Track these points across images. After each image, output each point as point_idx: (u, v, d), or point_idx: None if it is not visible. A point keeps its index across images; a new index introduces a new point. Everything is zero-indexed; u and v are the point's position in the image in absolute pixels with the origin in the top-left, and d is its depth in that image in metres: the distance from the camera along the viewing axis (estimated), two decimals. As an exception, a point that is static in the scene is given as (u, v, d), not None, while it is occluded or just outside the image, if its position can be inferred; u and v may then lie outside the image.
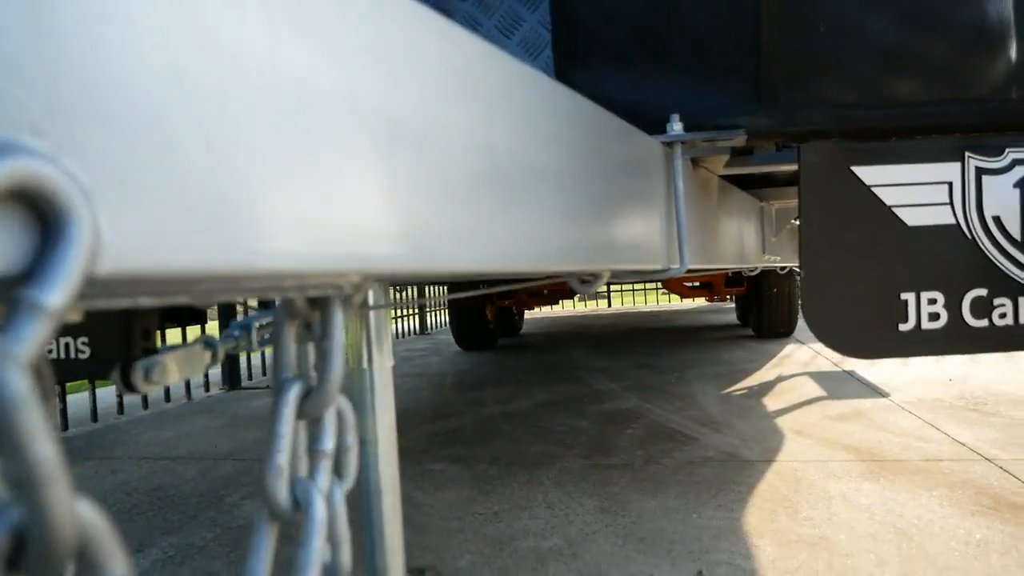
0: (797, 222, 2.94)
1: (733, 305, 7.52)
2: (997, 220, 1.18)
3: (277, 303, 0.48)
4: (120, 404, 3.71)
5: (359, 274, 0.45)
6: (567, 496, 2.08)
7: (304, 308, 0.47)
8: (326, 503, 0.45)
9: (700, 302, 9.97)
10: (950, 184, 1.17)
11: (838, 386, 3.55)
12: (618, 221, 0.91)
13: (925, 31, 1.14)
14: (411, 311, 7.70)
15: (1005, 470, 2.12)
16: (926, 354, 1.19)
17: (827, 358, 4.45)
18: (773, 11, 1.10)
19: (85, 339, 1.48)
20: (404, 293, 7.23)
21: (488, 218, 0.58)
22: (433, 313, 8.36)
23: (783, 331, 5.31)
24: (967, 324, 1.18)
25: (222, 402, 3.99)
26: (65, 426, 3.36)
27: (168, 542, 1.87)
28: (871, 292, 1.18)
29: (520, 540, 1.77)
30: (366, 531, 0.93)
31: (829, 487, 2.05)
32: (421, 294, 7.70)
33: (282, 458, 0.44)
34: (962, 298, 1.18)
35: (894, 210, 1.17)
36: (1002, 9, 1.16)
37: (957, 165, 1.17)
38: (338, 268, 0.41)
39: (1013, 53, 1.18)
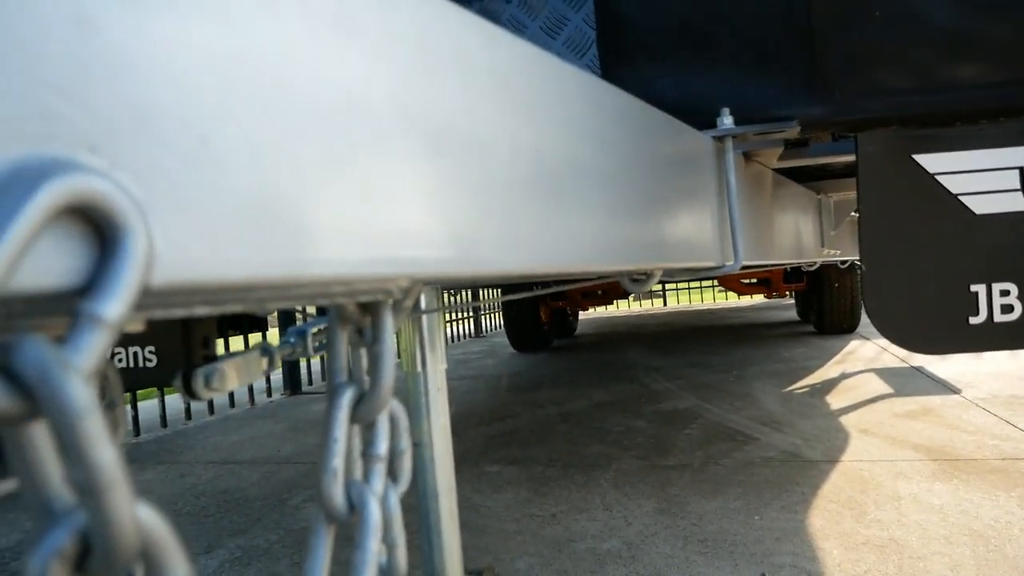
0: (856, 214, 2.86)
1: (792, 302, 7.35)
2: (1073, 205, 1.12)
3: (329, 309, 0.49)
4: (188, 410, 3.83)
5: (408, 279, 0.45)
6: (625, 497, 2.06)
7: (355, 313, 0.48)
8: (380, 506, 0.46)
9: (758, 299, 9.77)
10: (1020, 169, 1.12)
11: (905, 382, 3.43)
12: (669, 219, 0.90)
13: (986, 10, 1.09)
14: (466, 315, 7.75)
15: (1090, 469, 2.01)
16: (999, 348, 1.14)
17: (894, 354, 4.30)
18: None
19: (152, 348, 1.53)
20: (458, 296, 7.28)
21: (535, 220, 0.58)
22: (487, 316, 8.40)
23: (846, 327, 5.15)
24: (1043, 315, 1.12)
25: (284, 407, 4.08)
26: (137, 432, 3.49)
27: (235, 543, 1.93)
28: (938, 285, 1.13)
29: (578, 542, 1.76)
30: (423, 533, 0.94)
31: (898, 487, 1.98)
32: (475, 297, 7.75)
33: (337, 462, 0.45)
34: (1037, 288, 1.13)
35: (961, 198, 1.12)
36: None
37: (1028, 149, 1.12)
38: (386, 273, 0.41)
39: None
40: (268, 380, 4.43)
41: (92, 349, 0.25)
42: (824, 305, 5.06)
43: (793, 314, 6.97)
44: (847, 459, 2.27)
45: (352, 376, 0.48)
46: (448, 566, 0.93)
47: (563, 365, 4.90)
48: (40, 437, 0.28)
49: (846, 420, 2.79)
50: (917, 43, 1.09)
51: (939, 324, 1.14)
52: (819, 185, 2.07)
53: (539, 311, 5.50)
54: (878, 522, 1.75)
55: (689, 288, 10.60)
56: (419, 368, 0.91)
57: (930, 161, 1.12)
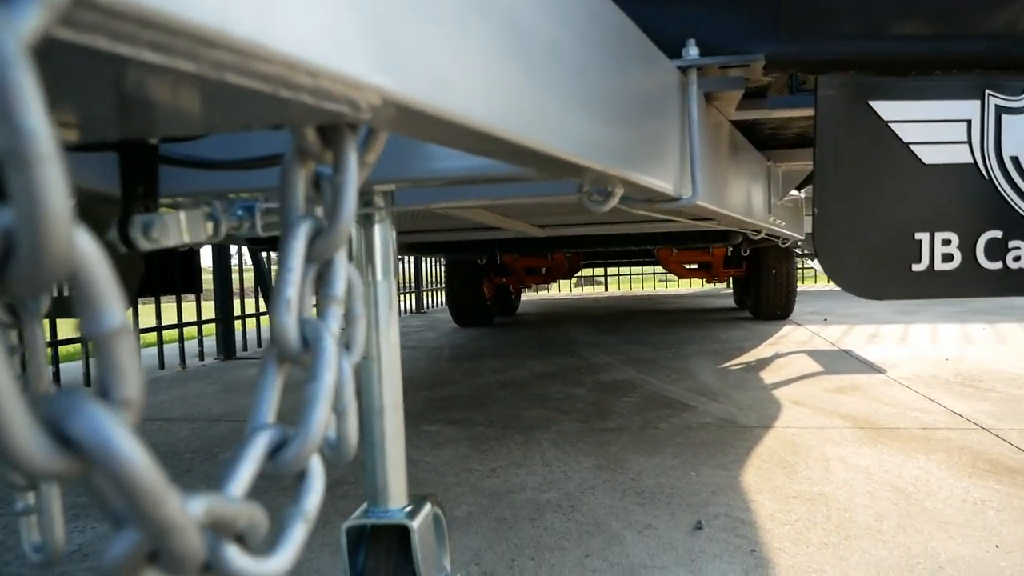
0: (801, 193, 2.91)
1: (731, 291, 7.52)
2: (1015, 160, 1.16)
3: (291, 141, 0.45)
4: (113, 366, 3.67)
5: (378, 94, 0.42)
6: (564, 455, 2.07)
7: (316, 144, 0.45)
8: (337, 343, 0.43)
9: (697, 287, 9.96)
10: (969, 122, 1.15)
11: (835, 362, 3.54)
12: (634, 130, 0.88)
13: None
14: (407, 290, 7.67)
15: (1001, 438, 2.11)
16: (939, 296, 1.17)
17: (824, 338, 4.44)
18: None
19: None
20: (400, 266, 7.19)
21: (505, 81, 0.55)
22: (429, 293, 8.34)
23: (780, 313, 5.30)
24: (981, 266, 1.16)
25: (217, 370, 3.96)
26: (57, 387, 3.32)
27: (160, 490, 1.85)
28: (885, 231, 1.16)
29: (518, 493, 1.76)
30: (366, 450, 0.91)
31: (827, 450, 2.04)
32: (418, 271, 7.68)
33: (291, 292, 0.41)
34: (977, 239, 1.16)
35: (911, 147, 1.15)
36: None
37: (976, 103, 1.15)
38: (357, 75, 0.38)
39: (1036, -11, 1.15)
40: (200, 343, 4.29)
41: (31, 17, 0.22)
42: (761, 291, 5.19)
43: (731, 302, 7.13)
44: (779, 425, 2.33)
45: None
46: (391, 484, 0.91)
47: (505, 339, 4.90)
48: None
49: (779, 393, 2.86)
50: (878, -10, 1.11)
51: (884, 270, 1.16)
52: (770, 154, 2.10)
53: (482, 286, 5.48)
54: (808, 479, 1.80)
55: (631, 275, 10.75)
56: (368, 278, 0.88)
57: (885, 108, 1.14)
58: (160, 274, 3.97)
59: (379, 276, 0.88)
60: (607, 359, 3.84)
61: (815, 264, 5.20)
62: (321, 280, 0.46)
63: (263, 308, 4.65)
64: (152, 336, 4.00)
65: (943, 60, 1.13)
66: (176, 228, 0.53)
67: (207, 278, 4.36)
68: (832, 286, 10.84)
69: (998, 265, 1.16)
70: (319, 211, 0.49)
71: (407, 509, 0.91)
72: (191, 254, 4.27)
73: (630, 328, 5.35)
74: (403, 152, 0.81)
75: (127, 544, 0.28)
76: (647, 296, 9.65)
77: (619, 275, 10.80)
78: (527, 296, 9.33)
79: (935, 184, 1.15)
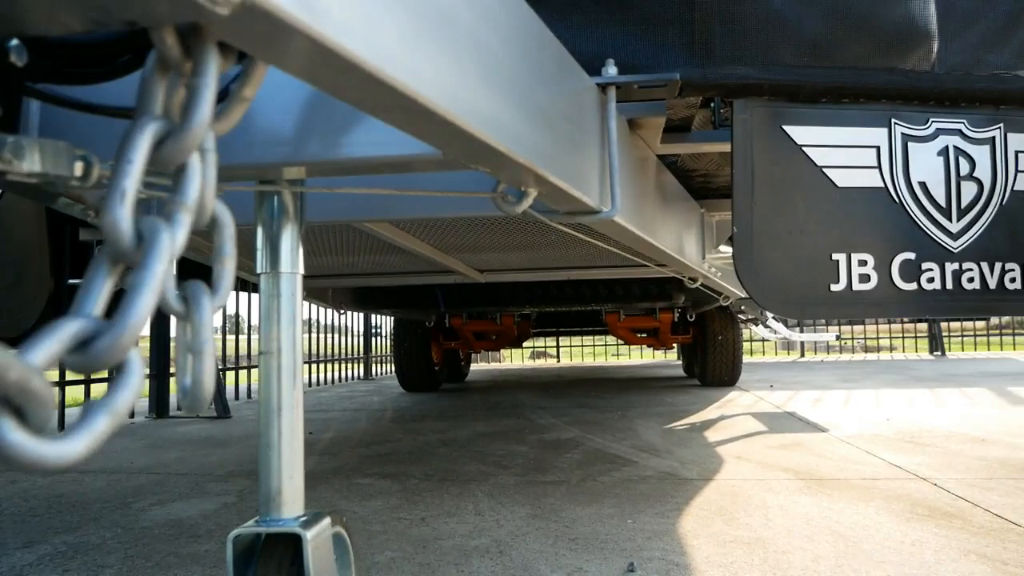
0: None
1: (680, 362, 7.58)
2: (923, 186, 1.20)
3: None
4: (32, 424, 3.48)
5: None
6: (499, 505, 1.99)
7: (175, 48, 0.42)
8: (173, 242, 0.40)
9: (648, 358, 10.02)
10: (878, 148, 1.19)
11: (779, 423, 3.55)
12: (553, 133, 0.88)
13: (859, 2, 1.18)
14: (356, 356, 7.53)
15: (939, 487, 2.11)
16: (859, 316, 1.18)
17: (769, 402, 4.47)
18: (707, -35, 1.11)
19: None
20: (347, 336, 7.08)
21: (398, 29, 0.54)
22: (379, 362, 8.21)
23: (727, 379, 5.33)
24: (897, 287, 1.18)
25: (146, 428, 3.78)
26: (-33, 441, 3.12)
27: (62, 539, 1.71)
28: (803, 251, 1.17)
29: (445, 540, 1.68)
30: (262, 451, 0.85)
31: (767, 499, 2.01)
32: (368, 329, 7.57)
33: (128, 184, 0.38)
34: (892, 261, 1.18)
35: (824, 170, 1.18)
36: (924, -13, 1.20)
37: (884, 131, 1.19)
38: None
39: (935, 29, 1.22)
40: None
41: None
42: (708, 358, 5.23)
43: (680, 371, 7.17)
44: (721, 477, 2.30)
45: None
46: (286, 490, 0.85)
47: (451, 403, 4.80)
48: None
49: (722, 449, 2.84)
50: (792, 20, 1.16)
51: (804, 290, 1.17)
52: (704, 203, 2.15)
53: (431, 350, 5.41)
54: (747, 525, 1.76)
55: (583, 346, 10.77)
56: (270, 267, 0.84)
57: (799, 133, 1.17)
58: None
59: (284, 267, 0.85)
60: (553, 420, 3.78)
61: (759, 330, 5.29)
62: (172, 187, 0.43)
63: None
64: (78, 391, 3.81)
65: (851, 90, 1.18)
66: (34, 154, 0.49)
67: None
68: (779, 357, 11.02)
69: (913, 286, 1.18)
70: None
71: (303, 519, 0.85)
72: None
73: (578, 393, 5.31)
74: (307, 134, 0.79)
75: None
76: (598, 367, 9.64)
77: (571, 346, 10.81)
78: (478, 366, 9.25)
79: (849, 206, 1.18)
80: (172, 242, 0.40)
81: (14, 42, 0.51)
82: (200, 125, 0.42)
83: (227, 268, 0.51)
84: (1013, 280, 1.22)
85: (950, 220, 1.20)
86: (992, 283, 1.21)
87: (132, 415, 4.11)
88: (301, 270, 0.87)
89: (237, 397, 5.26)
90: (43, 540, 1.71)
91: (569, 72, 0.99)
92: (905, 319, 10.55)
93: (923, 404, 4.22)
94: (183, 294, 0.50)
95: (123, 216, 0.38)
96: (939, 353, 9.89)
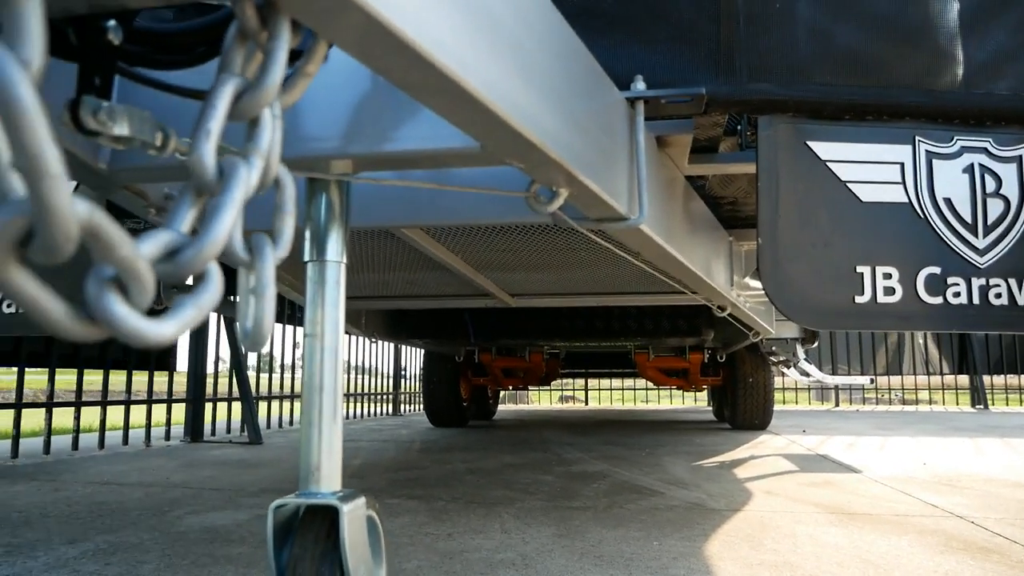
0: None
1: (709, 407, 7.50)
2: (948, 202, 1.22)
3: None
4: (75, 440, 3.58)
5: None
6: (524, 525, 2.00)
7: (253, 19, 0.49)
8: (249, 173, 0.45)
9: (678, 403, 9.90)
10: (902, 165, 1.22)
11: (810, 464, 3.50)
12: (586, 138, 0.94)
13: (882, 22, 1.23)
14: (386, 390, 7.59)
15: (977, 524, 2.07)
16: (883, 328, 1.20)
17: (801, 445, 4.40)
18: (734, -11, 1.17)
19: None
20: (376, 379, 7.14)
21: (476, 33, 0.60)
22: (407, 399, 8.26)
23: (758, 423, 5.26)
24: (922, 300, 1.20)
25: (181, 450, 3.85)
26: (15, 454, 3.22)
27: (103, 539, 1.77)
28: (827, 263, 1.20)
29: (472, 553, 1.69)
30: (304, 428, 0.90)
31: (796, 529, 1.99)
32: (397, 365, 7.63)
33: (213, 125, 0.44)
34: (916, 275, 1.20)
35: (849, 185, 1.21)
36: (952, 10, 1.25)
37: (908, 148, 1.23)
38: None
39: (959, 50, 1.26)
40: (168, 423, 4.20)
41: None
42: (738, 400, 5.17)
43: (709, 416, 7.08)
44: (749, 509, 2.28)
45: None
46: (325, 466, 0.89)
47: (478, 438, 4.81)
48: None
49: (751, 485, 2.81)
50: (818, 42, 1.21)
51: (829, 301, 1.20)
52: (733, 233, 2.18)
53: (459, 385, 5.44)
54: (774, 551, 1.74)
55: (611, 388, 10.70)
56: (316, 256, 0.90)
57: (823, 149, 1.21)
58: (136, 348, 3.95)
59: (330, 256, 0.90)
60: (579, 455, 3.77)
61: (791, 373, 5.23)
62: (248, 136, 0.49)
63: (235, 393, 4.57)
64: (118, 413, 3.91)
65: (875, 108, 1.22)
66: (124, 118, 0.56)
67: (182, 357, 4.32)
68: (812, 406, 10.81)
69: (939, 300, 1.20)
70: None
71: (340, 494, 0.89)
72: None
73: (606, 433, 5.28)
74: (354, 130, 0.85)
75: (1, 221, 0.29)
76: (626, 410, 9.56)
77: (599, 388, 10.74)
78: (505, 407, 9.23)
79: (873, 220, 1.21)
80: (248, 177, 0.45)
81: (111, 22, 0.58)
82: (273, 83, 0.48)
83: (287, 224, 0.57)
84: (1041, 297, 1.23)
85: (976, 236, 1.22)
86: (1020, 299, 1.22)
87: (168, 437, 4.19)
88: (344, 259, 0.92)
89: (268, 426, 5.33)
90: (85, 539, 1.77)
91: (600, 84, 1.05)
92: (945, 371, 10.31)
93: (962, 452, 4.12)
94: (248, 245, 0.55)
95: (208, 151, 0.44)
96: (981, 406, 9.62)
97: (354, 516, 0.88)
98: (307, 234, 0.92)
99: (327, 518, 0.87)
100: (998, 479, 2.98)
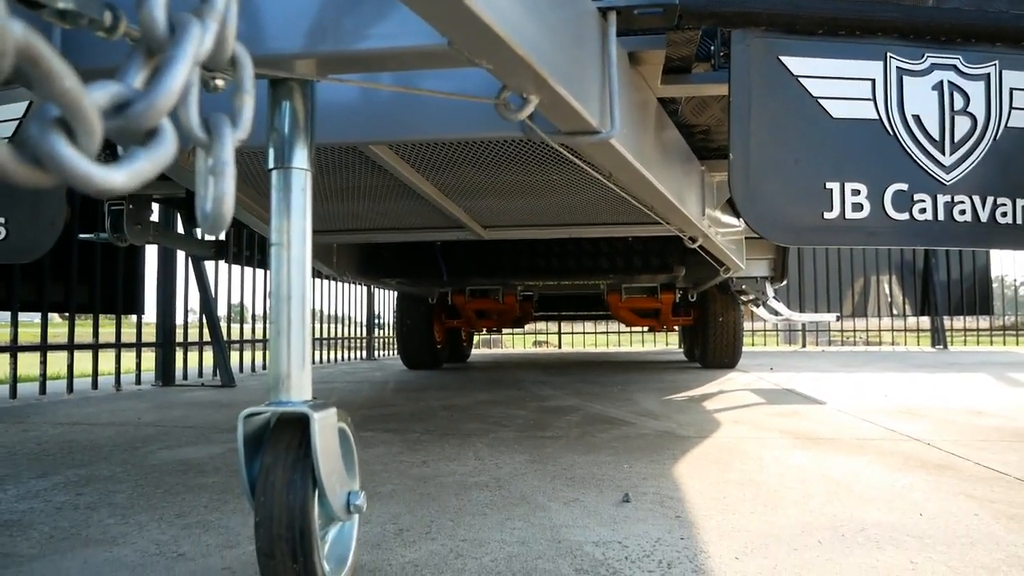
0: (740, 223, 2.98)
1: (680, 349, 7.62)
2: (917, 119, 1.23)
3: None
4: (42, 385, 3.53)
5: None
6: (498, 454, 2.03)
7: None
8: (203, 34, 0.43)
9: (650, 346, 10.05)
10: (873, 81, 1.22)
11: (777, 397, 3.58)
12: (559, 44, 0.92)
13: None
14: (359, 335, 7.58)
15: (932, 445, 2.14)
16: (852, 244, 1.21)
17: (769, 381, 4.50)
18: None
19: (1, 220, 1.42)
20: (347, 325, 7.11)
21: None
22: (380, 342, 8.27)
23: (727, 362, 5.36)
24: (889, 216, 1.21)
25: (153, 393, 3.83)
26: (-23, 397, 3.17)
27: (74, 472, 1.76)
28: (798, 179, 1.20)
29: (446, 477, 1.72)
30: (273, 337, 0.89)
31: (762, 453, 2.04)
32: (371, 307, 7.62)
33: (160, -17, 0.42)
34: (884, 191, 1.21)
35: (820, 101, 1.21)
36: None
37: (879, 64, 1.22)
38: None
39: (932, -34, 1.24)
40: (138, 367, 4.16)
41: None
42: (708, 339, 5.26)
43: (680, 356, 7.20)
44: (717, 436, 2.34)
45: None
46: (294, 375, 0.88)
47: (452, 378, 4.85)
48: None
49: (719, 415, 2.87)
50: (787, -46, 1.19)
51: (799, 217, 1.20)
52: (705, 164, 2.18)
53: (433, 328, 5.45)
54: (741, 471, 1.79)
55: (584, 332, 10.81)
56: (280, 163, 0.88)
57: (795, 64, 1.20)
58: (101, 291, 3.88)
59: (295, 162, 0.88)
60: (552, 392, 3.82)
61: (760, 312, 5.31)
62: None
63: (208, 337, 4.54)
64: (87, 360, 3.87)
65: (847, 22, 1.20)
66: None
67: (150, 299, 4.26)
68: (780, 348, 11.05)
69: (905, 216, 1.21)
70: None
71: (310, 403, 0.89)
72: (134, 272, 4.19)
73: (579, 372, 5.35)
74: (318, 27, 0.82)
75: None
76: (599, 352, 9.68)
77: (572, 332, 10.85)
78: (479, 351, 9.29)
79: (843, 137, 1.21)
80: (201, 34, 0.43)
81: None
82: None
83: (246, 103, 0.55)
84: (1004, 215, 1.25)
85: (943, 153, 1.23)
86: (984, 216, 1.24)
87: (139, 381, 4.16)
88: (311, 167, 0.90)
89: (241, 371, 5.32)
90: (56, 472, 1.76)
91: (573, -8, 1.02)
92: (908, 314, 10.57)
93: (922, 386, 4.25)
94: (206, 124, 0.53)
95: (158, 4, 0.42)
96: (941, 346, 9.91)
97: (325, 424, 0.88)
98: (271, 142, 0.89)
99: (298, 427, 0.87)
100: (955, 408, 3.09)
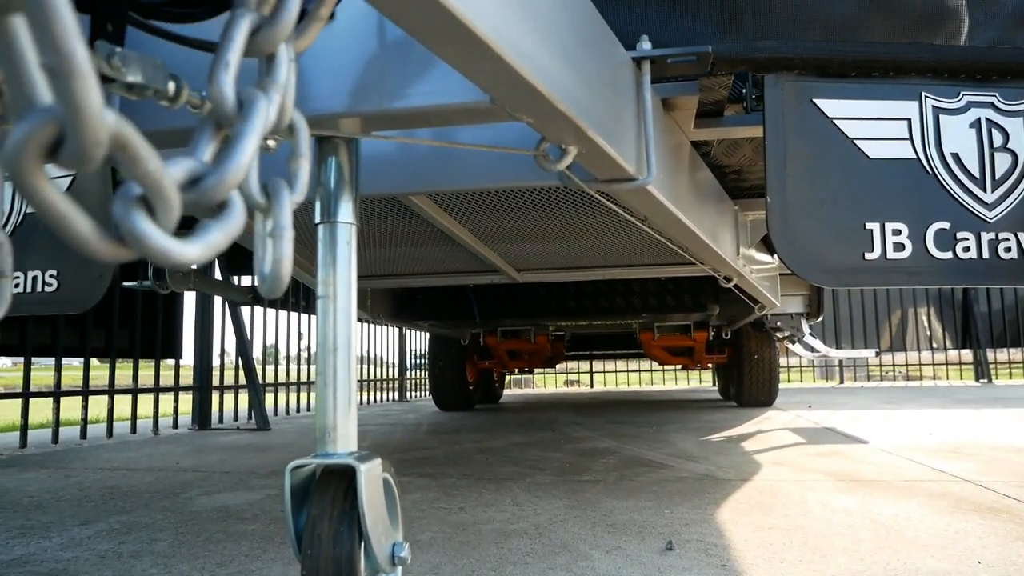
0: (775, 259, 2.96)
1: (715, 387, 7.51)
2: (956, 157, 1.22)
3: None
4: (83, 430, 3.59)
5: None
6: (536, 498, 2.01)
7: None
8: (268, 107, 0.45)
9: (684, 384, 9.92)
10: (909, 120, 1.22)
11: (817, 436, 3.51)
12: (596, 96, 0.94)
13: (881, -20, 1.22)
14: (392, 378, 7.61)
15: (984, 487, 2.07)
16: (894, 284, 1.20)
17: (807, 419, 4.41)
18: (738, -54, 1.17)
19: (53, 272, 1.47)
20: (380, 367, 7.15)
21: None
22: (412, 384, 8.29)
23: (763, 400, 5.26)
24: (932, 255, 1.20)
25: (190, 437, 3.87)
26: (23, 443, 3.23)
27: (116, 519, 1.78)
28: (836, 220, 1.20)
29: (484, 524, 1.70)
30: (319, 389, 0.90)
31: (806, 496, 2.00)
32: (403, 361, 7.65)
33: (231, 57, 0.44)
34: (926, 230, 1.20)
35: (856, 142, 1.21)
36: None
37: (915, 103, 1.22)
38: None
39: (964, 5, 1.25)
40: (176, 411, 4.21)
41: None
42: (744, 377, 5.17)
43: (715, 395, 7.09)
44: (758, 479, 2.29)
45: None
46: (341, 427, 0.89)
47: (485, 420, 4.83)
48: (19, 27, 0.29)
49: (759, 457, 2.82)
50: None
51: (839, 258, 1.20)
52: (738, 203, 2.17)
53: (465, 369, 5.45)
54: (785, 516, 1.75)
55: (616, 371, 10.72)
56: (327, 217, 0.90)
57: (829, 106, 1.21)
58: (141, 336, 3.96)
59: (340, 216, 0.90)
60: (587, 433, 3.78)
61: (796, 348, 5.23)
62: (266, 71, 0.49)
63: (243, 380, 4.59)
64: (126, 403, 3.93)
65: (880, 64, 1.21)
66: (138, 64, 0.56)
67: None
68: (817, 384, 10.83)
69: (948, 255, 1.20)
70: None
71: (356, 454, 0.89)
72: (173, 317, 4.27)
73: (612, 412, 5.30)
74: (362, 88, 0.85)
75: (31, 125, 0.29)
76: (632, 391, 9.58)
77: (604, 371, 10.76)
78: (510, 391, 9.26)
79: (881, 177, 1.21)
80: (267, 109, 0.45)
81: (122, -30, 0.58)
82: (289, 17, 0.48)
83: (303, 167, 0.57)
84: (1051, 251, 1.23)
85: (984, 191, 1.22)
86: (1029, 253, 1.22)
87: (176, 426, 4.21)
88: (356, 221, 0.92)
89: (276, 414, 5.35)
90: (99, 520, 1.78)
91: (607, 42, 1.04)
92: (948, 347, 10.31)
93: (967, 422, 4.13)
94: (265, 189, 0.55)
95: (227, 82, 0.44)
96: (985, 380, 9.63)
97: (371, 476, 0.88)
98: (318, 197, 0.92)
99: (344, 479, 0.87)
100: (1003, 446, 2.99)
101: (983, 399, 6.13)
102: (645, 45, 1.13)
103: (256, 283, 0.56)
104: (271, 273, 0.54)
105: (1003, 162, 1.23)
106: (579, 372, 11.28)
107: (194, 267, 2.63)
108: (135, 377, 3.91)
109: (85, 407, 3.67)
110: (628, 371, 10.65)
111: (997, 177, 1.22)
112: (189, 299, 4.53)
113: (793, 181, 1.19)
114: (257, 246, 0.56)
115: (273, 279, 0.54)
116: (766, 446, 3.14)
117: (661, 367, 9.83)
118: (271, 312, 5.20)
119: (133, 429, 3.87)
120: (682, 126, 1.45)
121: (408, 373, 8.11)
